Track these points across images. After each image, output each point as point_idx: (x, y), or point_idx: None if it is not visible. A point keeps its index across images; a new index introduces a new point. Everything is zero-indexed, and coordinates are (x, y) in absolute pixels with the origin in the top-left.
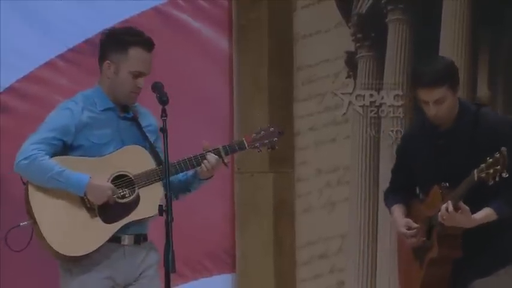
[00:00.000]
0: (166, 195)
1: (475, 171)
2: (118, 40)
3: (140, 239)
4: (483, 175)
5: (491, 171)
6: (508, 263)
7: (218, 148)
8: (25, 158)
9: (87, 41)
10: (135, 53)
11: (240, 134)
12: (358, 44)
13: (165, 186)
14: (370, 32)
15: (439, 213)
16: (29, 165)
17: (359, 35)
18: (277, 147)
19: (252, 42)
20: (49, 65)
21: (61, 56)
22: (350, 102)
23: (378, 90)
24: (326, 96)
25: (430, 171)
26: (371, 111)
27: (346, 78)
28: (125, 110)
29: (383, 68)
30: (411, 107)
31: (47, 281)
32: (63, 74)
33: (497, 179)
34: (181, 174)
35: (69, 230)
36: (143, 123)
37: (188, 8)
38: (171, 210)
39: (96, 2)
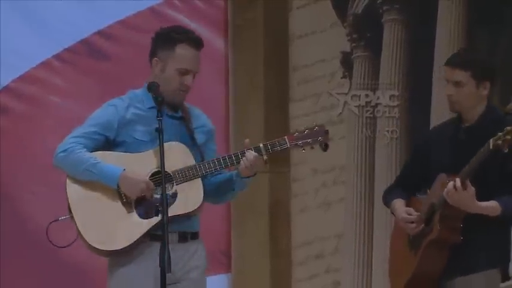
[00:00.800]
0: (162, 196)
1: (491, 140)
2: (166, 37)
3: (187, 236)
4: (499, 142)
5: (509, 137)
6: (492, 267)
7: (259, 145)
8: (63, 151)
9: (83, 41)
10: (182, 50)
11: (236, 134)
12: (353, 44)
13: (201, 182)
14: (365, 32)
15: (445, 189)
16: (65, 158)
17: (355, 35)
18: (328, 146)
19: (247, 42)
20: (45, 64)
21: (57, 56)
22: (346, 102)
23: (374, 90)
24: (322, 96)
25: (446, 166)
26: (366, 111)
27: (342, 78)
28: (173, 109)
29: (378, 68)
30: (407, 107)
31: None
32: (58, 74)
33: None
34: (223, 174)
35: (103, 223)
36: (195, 124)
37: (184, 8)
38: (167, 210)
39: (92, 2)
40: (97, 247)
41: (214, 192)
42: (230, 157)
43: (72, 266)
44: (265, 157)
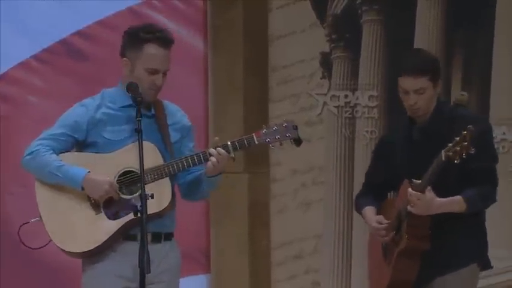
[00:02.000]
0: (141, 195)
1: (443, 151)
2: (133, 37)
3: (160, 237)
4: (450, 153)
5: (459, 148)
6: (469, 262)
7: (227, 143)
8: (29, 154)
9: (61, 41)
10: (150, 50)
11: (215, 135)
12: (333, 45)
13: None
14: (345, 32)
15: (407, 199)
16: (31, 161)
17: (334, 36)
18: (301, 142)
19: (227, 42)
20: (23, 65)
21: (35, 56)
22: (325, 103)
23: (353, 90)
24: (301, 97)
25: (404, 169)
26: (346, 111)
27: (321, 78)
28: (146, 107)
29: (358, 68)
30: (386, 108)
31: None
32: (37, 74)
33: (464, 156)
34: (197, 172)
35: (71, 225)
36: (169, 121)
37: (163, 9)
38: (146, 210)
39: (70, 2)
40: (65, 249)
41: (187, 190)
42: (198, 156)
43: (50, 267)
44: (232, 155)
